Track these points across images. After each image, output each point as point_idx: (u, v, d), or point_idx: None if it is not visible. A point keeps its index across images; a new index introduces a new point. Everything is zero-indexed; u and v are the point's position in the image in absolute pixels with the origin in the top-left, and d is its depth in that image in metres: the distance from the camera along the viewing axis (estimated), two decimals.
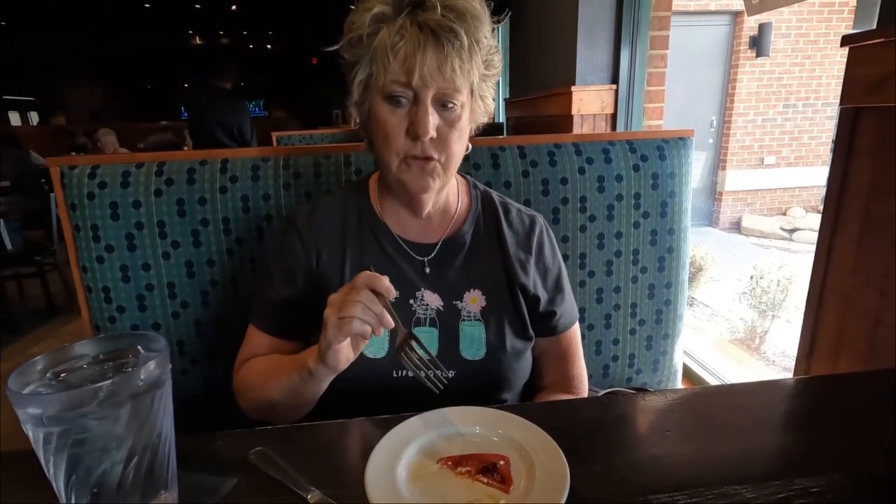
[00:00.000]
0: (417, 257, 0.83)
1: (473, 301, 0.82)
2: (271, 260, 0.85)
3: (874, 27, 0.84)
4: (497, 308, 0.82)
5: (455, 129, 0.74)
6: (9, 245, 3.54)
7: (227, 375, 0.86)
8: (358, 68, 0.73)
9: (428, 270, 0.83)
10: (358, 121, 0.81)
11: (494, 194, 0.90)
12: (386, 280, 0.62)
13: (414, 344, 0.65)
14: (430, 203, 0.82)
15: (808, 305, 1.01)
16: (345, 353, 0.65)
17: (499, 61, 0.78)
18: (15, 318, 3.49)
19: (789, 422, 0.65)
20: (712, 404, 0.68)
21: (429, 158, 0.74)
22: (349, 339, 0.64)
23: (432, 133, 0.72)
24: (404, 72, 0.70)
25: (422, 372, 0.63)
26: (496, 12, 0.75)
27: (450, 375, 0.63)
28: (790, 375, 1.01)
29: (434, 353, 0.79)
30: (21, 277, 3.68)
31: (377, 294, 0.61)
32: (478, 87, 0.75)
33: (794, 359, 1.06)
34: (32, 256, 3.54)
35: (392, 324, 0.62)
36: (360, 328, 0.61)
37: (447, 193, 0.84)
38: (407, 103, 0.72)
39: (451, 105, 0.72)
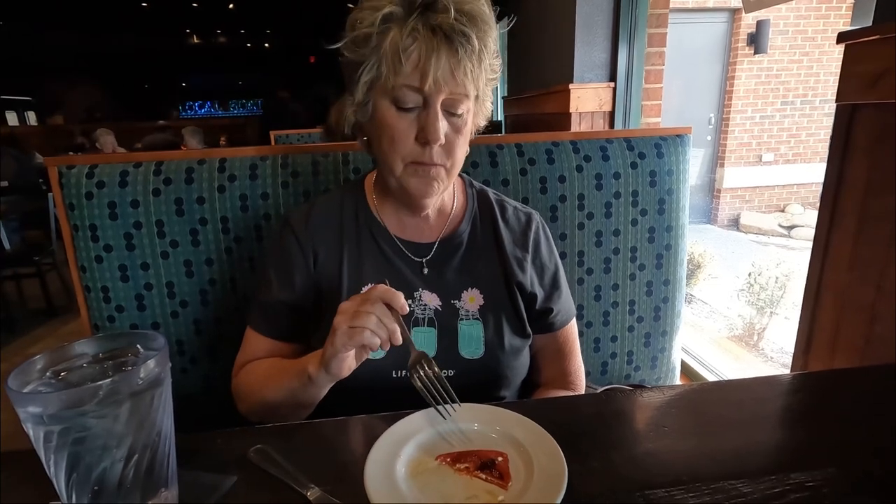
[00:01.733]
0: (415, 258, 0.83)
1: (472, 300, 0.82)
2: (268, 263, 0.84)
3: (870, 24, 0.84)
4: (495, 306, 0.82)
5: (461, 134, 0.74)
6: (7, 245, 3.54)
7: (227, 374, 0.86)
8: (364, 68, 0.71)
9: (426, 271, 0.83)
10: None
11: (490, 192, 0.90)
12: (401, 297, 0.61)
13: (425, 365, 0.63)
14: (430, 206, 0.82)
15: (805, 302, 1.01)
16: (348, 363, 0.64)
17: (499, 66, 0.77)
18: (14, 318, 3.49)
19: (786, 417, 0.65)
20: (709, 400, 0.68)
21: (435, 165, 0.73)
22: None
23: (443, 139, 0.71)
24: (417, 75, 0.68)
25: (432, 398, 0.61)
26: (500, 17, 0.75)
27: (459, 404, 0.62)
28: (787, 372, 1.01)
29: (433, 353, 0.79)
30: (20, 277, 3.68)
31: (390, 309, 0.61)
32: (482, 91, 0.75)
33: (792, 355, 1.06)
34: (31, 256, 3.54)
35: (401, 340, 0.61)
36: (369, 340, 0.60)
37: (444, 193, 0.84)
38: (415, 108, 0.71)
39: (459, 112, 0.72)
